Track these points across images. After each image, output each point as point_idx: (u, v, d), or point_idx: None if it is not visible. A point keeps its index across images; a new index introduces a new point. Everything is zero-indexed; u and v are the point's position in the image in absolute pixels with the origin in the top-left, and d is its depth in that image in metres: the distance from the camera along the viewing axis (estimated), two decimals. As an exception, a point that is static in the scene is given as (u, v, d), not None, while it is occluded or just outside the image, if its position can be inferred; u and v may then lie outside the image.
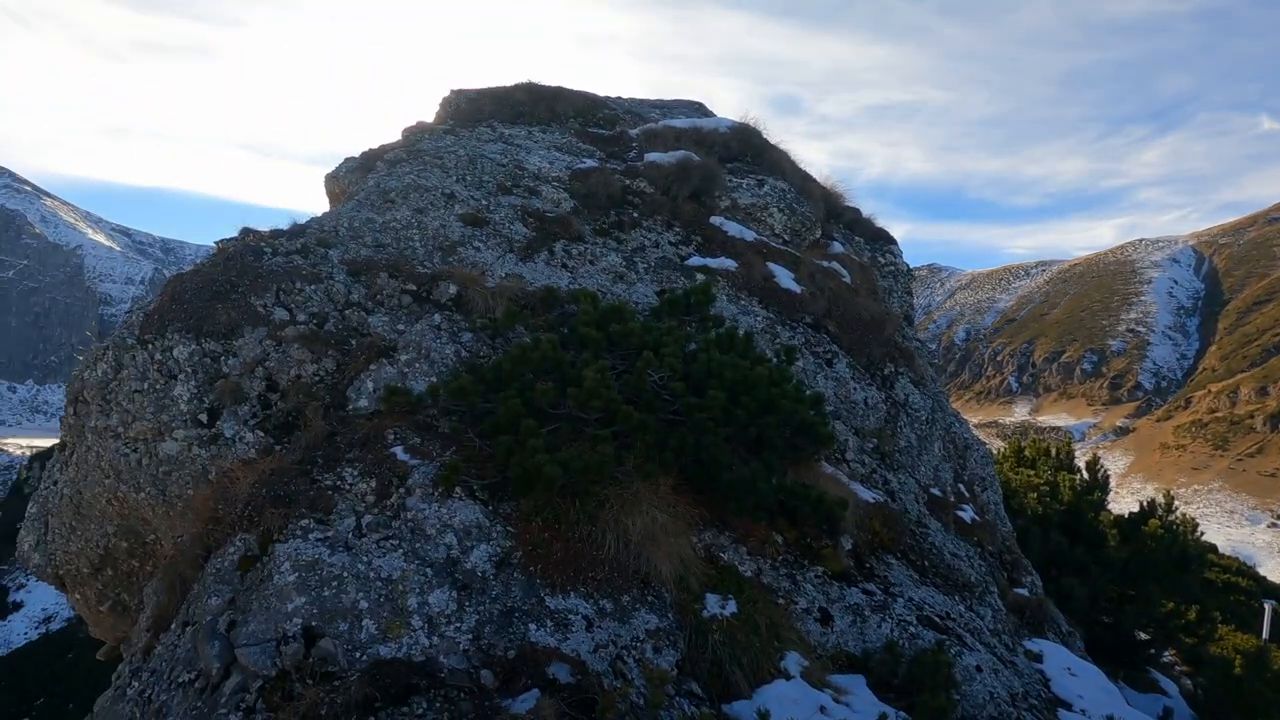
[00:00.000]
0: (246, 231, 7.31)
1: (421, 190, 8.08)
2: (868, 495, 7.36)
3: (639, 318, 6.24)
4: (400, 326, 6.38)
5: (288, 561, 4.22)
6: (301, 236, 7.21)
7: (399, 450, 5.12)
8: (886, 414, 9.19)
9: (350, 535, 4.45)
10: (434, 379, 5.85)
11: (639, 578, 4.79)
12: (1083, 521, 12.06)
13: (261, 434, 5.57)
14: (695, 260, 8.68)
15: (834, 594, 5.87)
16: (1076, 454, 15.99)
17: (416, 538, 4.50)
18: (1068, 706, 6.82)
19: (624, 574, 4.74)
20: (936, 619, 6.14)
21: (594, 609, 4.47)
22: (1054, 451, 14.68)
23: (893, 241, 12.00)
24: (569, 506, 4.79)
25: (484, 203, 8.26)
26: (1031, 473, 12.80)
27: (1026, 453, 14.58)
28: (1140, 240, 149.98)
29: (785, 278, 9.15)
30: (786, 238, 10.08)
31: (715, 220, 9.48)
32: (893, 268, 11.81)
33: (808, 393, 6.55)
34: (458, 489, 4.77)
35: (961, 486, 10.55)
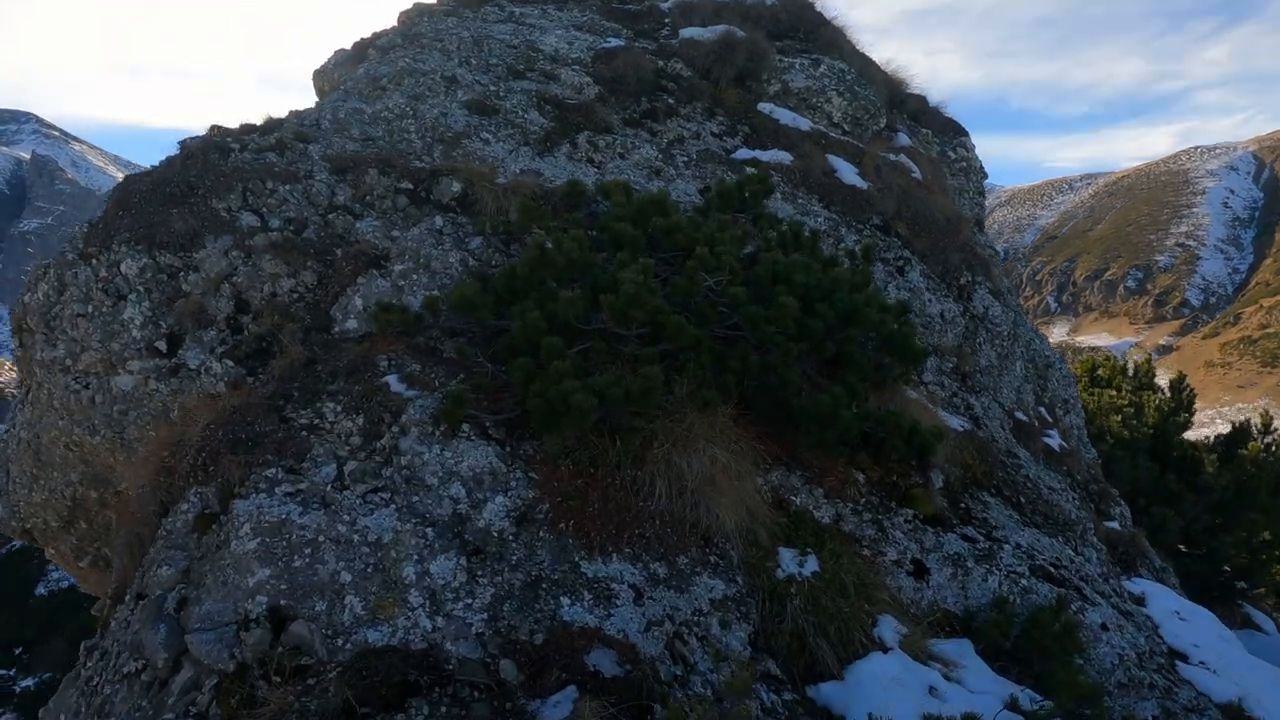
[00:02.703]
0: (215, 128, 6.17)
1: (418, 75, 6.81)
2: (955, 423, 6.25)
3: (683, 213, 5.05)
4: (394, 232, 5.27)
5: (248, 523, 3.26)
6: (276, 131, 6.05)
7: (393, 380, 4.10)
8: (965, 329, 7.97)
9: (329, 487, 3.47)
10: (435, 292, 4.78)
11: (697, 533, 3.78)
12: (1171, 445, 10.84)
13: (231, 363, 4.58)
14: (743, 153, 7.37)
15: (928, 542, 4.84)
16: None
17: (414, 489, 3.51)
18: (1183, 658, 5.80)
19: (679, 528, 3.73)
20: (1050, 568, 5.10)
21: (643, 575, 3.48)
22: (1133, 369, 13.32)
23: (964, 134, 10.46)
24: (607, 445, 3.76)
25: (492, 89, 6.97)
26: (1114, 393, 11.52)
27: (1101, 372, 13.24)
28: (1196, 148, 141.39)
29: (848, 172, 7.80)
30: (846, 127, 8.65)
31: (764, 107, 8.08)
32: (964, 164, 10.32)
33: (891, 300, 5.37)
34: (465, 426, 3.76)
35: (1043, 410, 9.37)
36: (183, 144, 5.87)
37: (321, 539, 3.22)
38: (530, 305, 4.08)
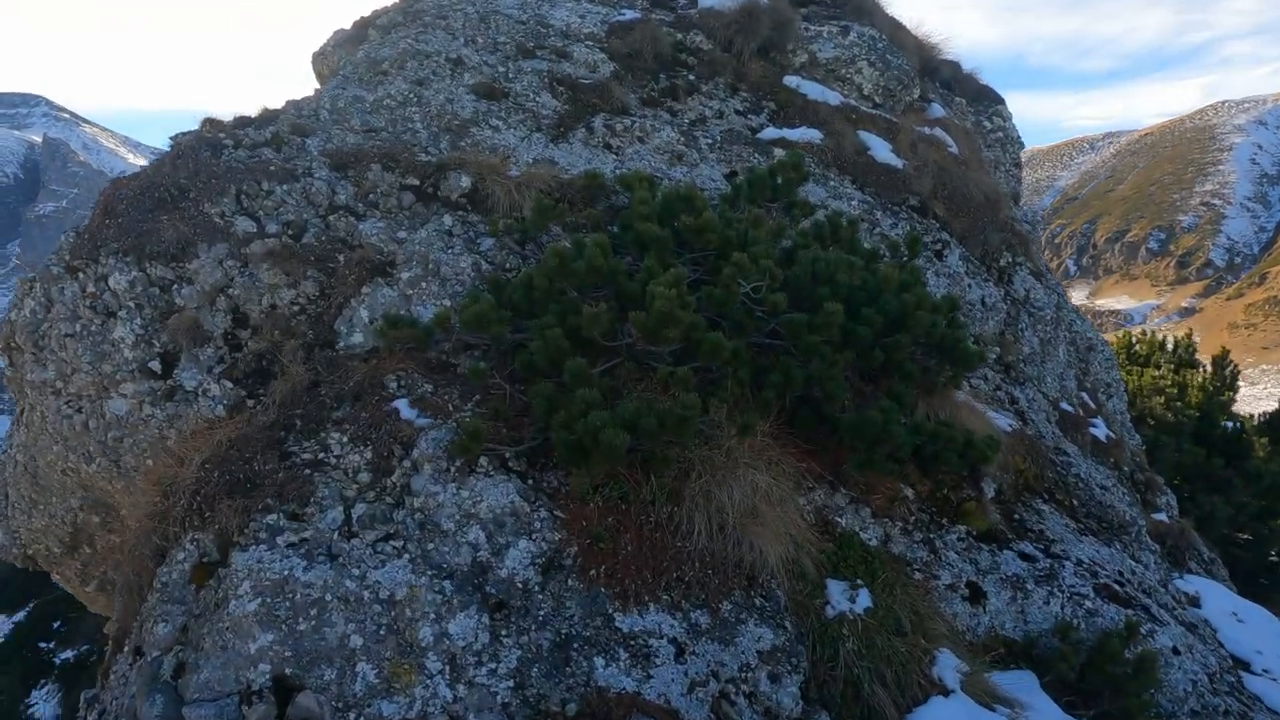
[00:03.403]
0: (207, 122, 5.78)
1: (421, 57, 6.36)
2: (1003, 422, 5.83)
3: (712, 207, 4.62)
4: (400, 234, 4.89)
5: (247, 580, 2.95)
6: (272, 124, 5.65)
7: (403, 405, 3.75)
8: (1007, 315, 7.51)
9: (335, 535, 3.15)
10: (446, 302, 4.40)
11: (741, 572, 3.44)
12: (1216, 427, 10.36)
13: (230, 384, 4.26)
14: (770, 132, 6.88)
15: (984, 562, 4.48)
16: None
17: (428, 535, 3.18)
18: (1245, 666, 5.46)
19: (720, 569, 3.39)
20: (1115, 586, 4.73)
21: (684, 626, 3.15)
22: (1171, 345, 12.76)
23: (1000, 102, 9.85)
24: (639, 479, 3.40)
25: (501, 70, 6.51)
26: (1156, 373, 11.01)
27: (1139, 348, 12.69)
28: (1223, 102, 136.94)
29: (881, 149, 7.29)
30: (878, 99, 8.11)
31: (790, 81, 7.56)
32: (1000, 134, 9.73)
33: (939, 296, 4.93)
34: (483, 460, 3.41)
35: (1085, 395, 8.91)
36: (174, 141, 5.49)
37: (328, 597, 2.91)
38: (550, 320, 3.71)
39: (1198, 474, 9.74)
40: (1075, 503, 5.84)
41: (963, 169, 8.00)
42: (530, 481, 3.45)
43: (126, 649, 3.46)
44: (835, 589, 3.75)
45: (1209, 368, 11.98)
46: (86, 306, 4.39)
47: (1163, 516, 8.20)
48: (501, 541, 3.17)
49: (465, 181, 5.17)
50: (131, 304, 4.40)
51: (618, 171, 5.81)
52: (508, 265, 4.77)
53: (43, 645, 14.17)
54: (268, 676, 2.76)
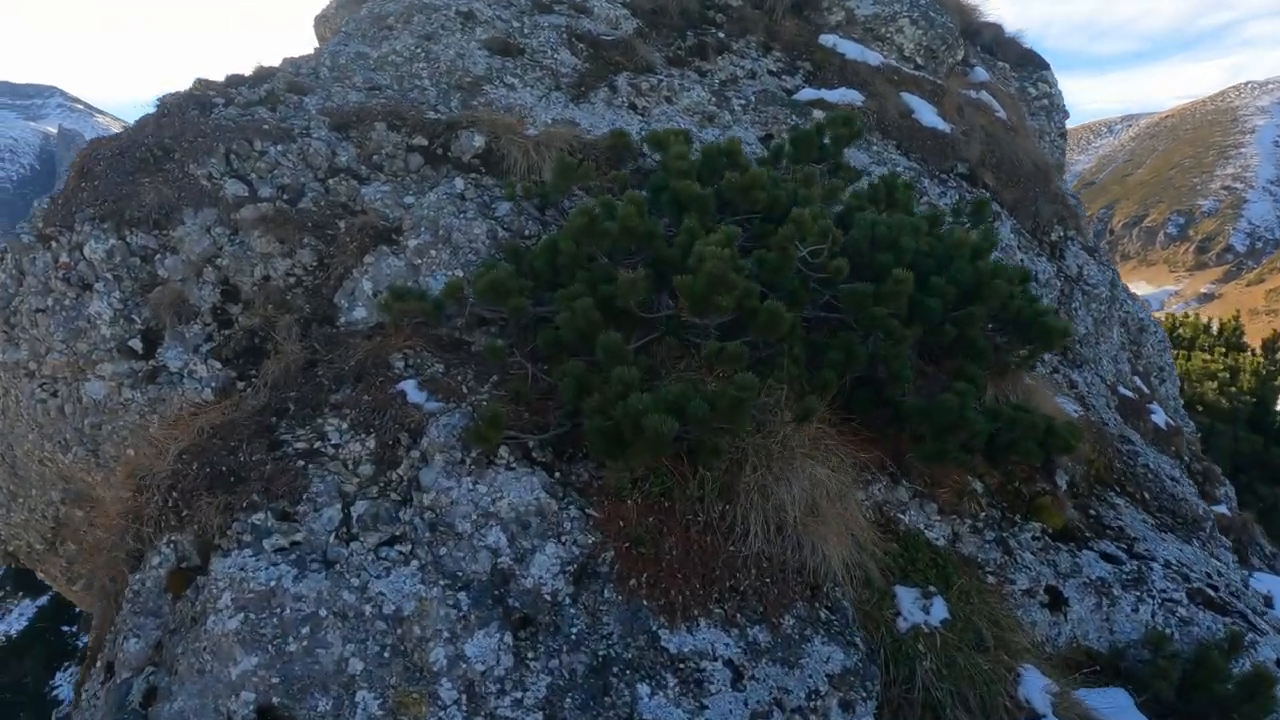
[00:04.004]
0: (199, 81, 5.30)
1: (429, 11, 5.84)
2: (1070, 408, 5.32)
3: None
4: (407, 199, 4.41)
5: (229, 591, 2.50)
6: (268, 82, 5.17)
7: (410, 386, 3.28)
8: (1060, 292, 6.96)
9: (332, 538, 2.69)
10: (459, 272, 3.92)
11: (802, 579, 2.96)
12: (1270, 413, 9.76)
13: (219, 365, 3.80)
14: (807, 93, 6.34)
15: (1064, 564, 3.98)
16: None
17: (441, 538, 2.72)
18: (1330, 674, 4.93)
19: (780, 576, 2.91)
20: (1209, 591, 4.23)
21: (741, 645, 2.67)
22: (1217, 329, 12.12)
23: (1045, 67, 9.23)
24: (685, 472, 2.92)
25: (515, 24, 5.98)
26: (1207, 356, 10.40)
27: (1182, 331, 12.06)
28: (1246, 84, 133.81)
29: (927, 113, 6.73)
30: (919, 61, 7.53)
31: (826, 39, 6.99)
32: (1045, 101, 9.12)
33: (1009, 266, 4.40)
34: (503, 450, 2.93)
35: (1138, 380, 8.35)
36: (161, 101, 5.01)
37: (323, 612, 2.45)
38: (579, 289, 3.22)
39: (1255, 463, 9.15)
40: (1147, 496, 5.31)
41: (1012, 135, 7.42)
42: (558, 475, 2.98)
43: (99, 663, 3.03)
44: (906, 597, 3.27)
45: (1258, 351, 11.35)
46: (58, 278, 3.94)
47: (1224, 509, 7.65)
48: (526, 545, 2.70)
49: (478, 141, 4.67)
50: (109, 275, 3.95)
51: (644, 133, 5.30)
52: (526, 232, 4.28)
53: (66, 629, 14.08)
54: (251, 708, 2.31)
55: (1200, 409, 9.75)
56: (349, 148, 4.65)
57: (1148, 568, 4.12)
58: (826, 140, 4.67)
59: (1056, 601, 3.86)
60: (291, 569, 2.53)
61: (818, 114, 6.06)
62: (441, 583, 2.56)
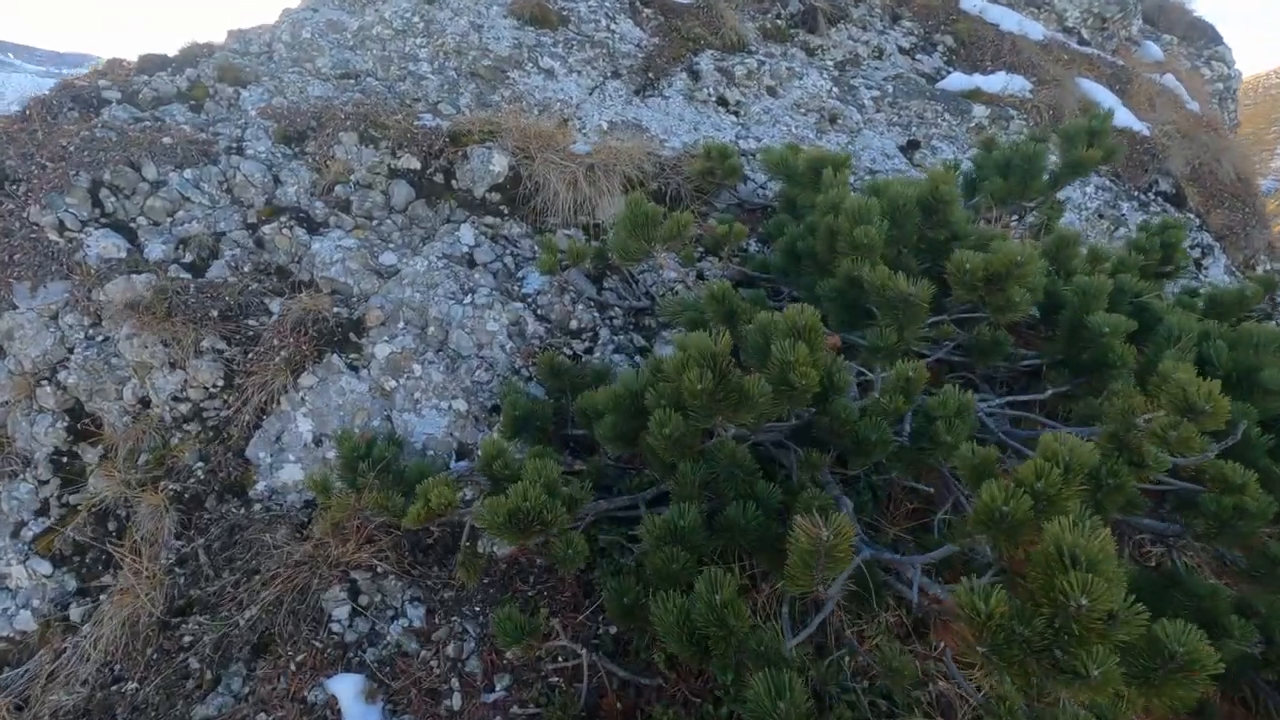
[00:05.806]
0: (96, 70, 3.68)
1: (431, -37, 4.12)
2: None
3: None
4: (384, 257, 2.76)
5: None
6: (192, 66, 3.52)
7: (348, 688, 1.66)
8: None
9: None
10: (460, 403, 2.27)
11: None
12: None
13: (46, 572, 2.22)
14: (955, 80, 4.54)
15: None
16: None
17: None
18: None
19: None
20: None
21: None
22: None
23: (1218, 41, 7.26)
24: None
25: (553, -18, 4.25)
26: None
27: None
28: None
29: (1115, 107, 4.89)
30: (1085, 34, 5.65)
31: (970, 5, 5.16)
32: (1220, 84, 7.16)
33: None
34: None
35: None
36: (32, 100, 3.40)
37: None
38: (690, 509, 1.56)
39: None
40: None
41: (1211, 135, 5.55)
42: None
43: None
44: None
45: None
46: None
47: None
48: None
49: (499, 164, 2.99)
50: (-116, 399, 2.37)
51: (742, 141, 3.58)
52: (573, 324, 2.61)
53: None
54: None
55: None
56: (300, 171, 3.00)
57: None
58: (1046, 176, 2.92)
59: None
60: None
61: (978, 110, 4.28)
62: None
